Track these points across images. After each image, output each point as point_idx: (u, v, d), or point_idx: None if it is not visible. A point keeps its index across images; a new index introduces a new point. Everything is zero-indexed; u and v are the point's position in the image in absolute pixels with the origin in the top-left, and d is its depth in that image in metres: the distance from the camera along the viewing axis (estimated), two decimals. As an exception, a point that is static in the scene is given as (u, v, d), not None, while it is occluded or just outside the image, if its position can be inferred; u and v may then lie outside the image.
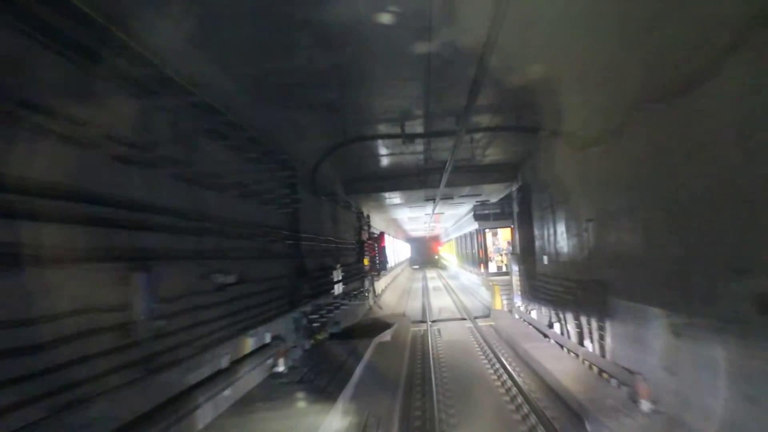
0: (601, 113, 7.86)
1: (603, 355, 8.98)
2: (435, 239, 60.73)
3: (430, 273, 51.69)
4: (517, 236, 16.80)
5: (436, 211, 25.07)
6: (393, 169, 15.33)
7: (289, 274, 9.02)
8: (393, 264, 37.67)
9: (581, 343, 10.15)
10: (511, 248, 23.31)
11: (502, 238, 26.58)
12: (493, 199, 20.88)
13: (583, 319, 9.99)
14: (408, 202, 21.87)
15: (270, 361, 7.36)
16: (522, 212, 15.65)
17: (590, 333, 9.67)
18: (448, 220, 37.26)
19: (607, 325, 8.79)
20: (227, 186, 6.23)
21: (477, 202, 21.39)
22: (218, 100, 5.90)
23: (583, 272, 9.95)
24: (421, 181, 15.66)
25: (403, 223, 37.43)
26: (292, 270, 9.23)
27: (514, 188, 16.48)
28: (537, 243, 14.09)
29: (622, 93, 7.01)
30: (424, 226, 40.68)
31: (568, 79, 7.71)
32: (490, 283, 21.40)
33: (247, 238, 6.92)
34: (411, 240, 60.80)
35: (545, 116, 9.71)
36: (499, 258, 25.95)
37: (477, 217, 22.10)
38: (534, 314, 14.97)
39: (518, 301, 17.18)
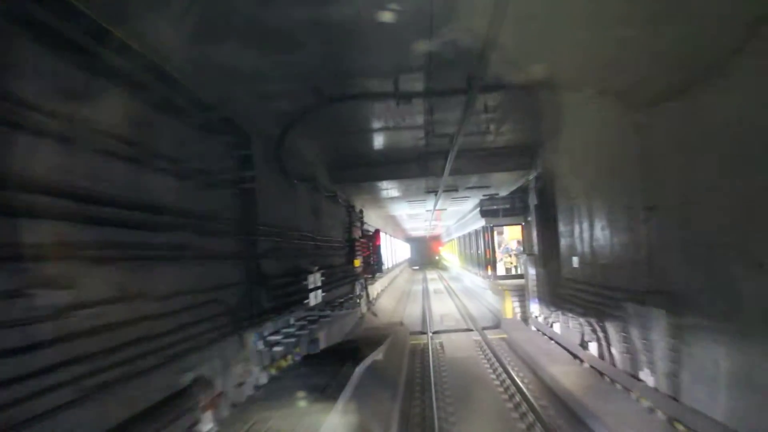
0: (695, 48, 5.28)
1: (675, 397, 6.45)
2: (436, 239, 58.53)
3: (431, 274, 49.40)
4: (534, 234, 14.27)
5: (438, 207, 22.54)
6: (388, 153, 12.77)
7: (237, 282, 6.48)
8: (391, 265, 35.23)
9: (635, 374, 7.60)
10: (521, 248, 20.82)
11: (509, 236, 24.10)
12: (503, 193, 18.36)
13: (638, 343, 7.44)
14: (407, 196, 19.32)
15: (187, 418, 4.81)
16: (542, 205, 13.18)
17: (650, 363, 7.12)
18: (450, 218, 34.85)
19: (684, 355, 6.25)
20: (86, 136, 3.62)
21: (484, 195, 18.85)
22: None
23: (637, 278, 7.43)
24: (421, 167, 13.08)
25: (402, 220, 34.96)
26: (243, 276, 6.70)
27: (531, 176, 13.92)
28: (563, 241, 11.55)
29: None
30: (424, 225, 38.27)
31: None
32: (499, 288, 18.85)
33: (145, 228, 4.36)
34: (411, 240, 58.64)
35: (590, 68, 7.14)
36: (508, 259, 23.41)
37: (484, 213, 19.52)
38: (557, 328, 12.41)
39: (535, 310, 14.63)
